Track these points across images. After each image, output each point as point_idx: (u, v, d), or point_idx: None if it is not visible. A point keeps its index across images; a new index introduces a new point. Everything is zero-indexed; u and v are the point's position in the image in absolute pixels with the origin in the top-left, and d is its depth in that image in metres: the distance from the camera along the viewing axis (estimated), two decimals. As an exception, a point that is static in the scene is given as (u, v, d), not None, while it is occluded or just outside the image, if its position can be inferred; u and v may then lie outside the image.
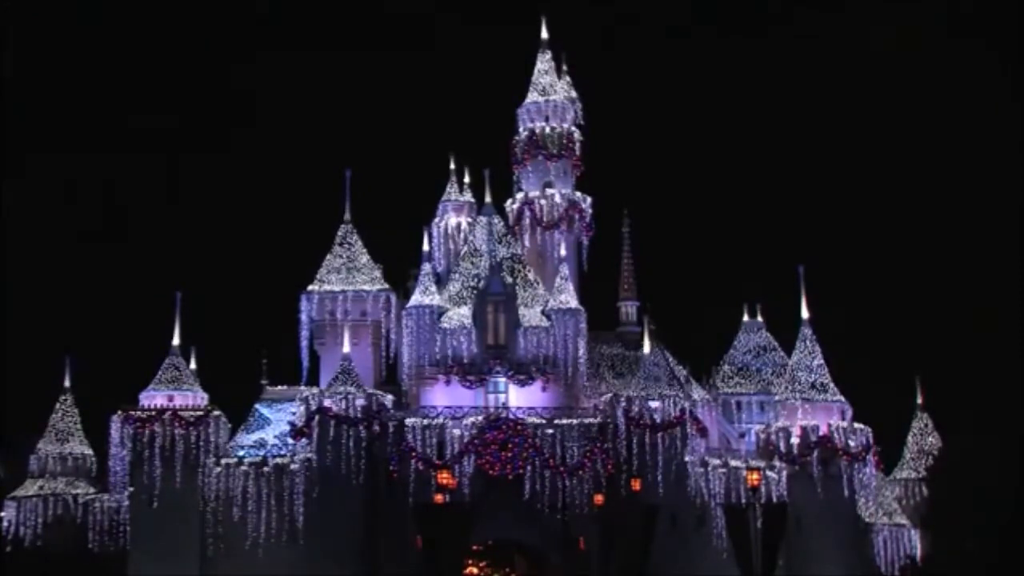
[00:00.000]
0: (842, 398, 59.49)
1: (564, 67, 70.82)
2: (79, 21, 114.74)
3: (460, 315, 59.71)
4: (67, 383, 62.90)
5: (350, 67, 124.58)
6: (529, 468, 54.08)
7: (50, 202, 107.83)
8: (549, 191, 66.97)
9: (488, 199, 64.88)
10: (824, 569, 56.21)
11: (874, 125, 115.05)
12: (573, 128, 68.53)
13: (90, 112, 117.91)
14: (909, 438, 67.46)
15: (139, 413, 55.79)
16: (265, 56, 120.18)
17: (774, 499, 54.68)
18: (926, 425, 67.47)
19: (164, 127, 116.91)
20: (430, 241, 64.07)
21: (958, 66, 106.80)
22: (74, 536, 59.01)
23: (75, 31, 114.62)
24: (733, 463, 57.38)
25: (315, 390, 57.13)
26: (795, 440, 57.94)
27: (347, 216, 63.81)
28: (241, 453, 56.79)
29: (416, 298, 59.76)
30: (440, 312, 59.56)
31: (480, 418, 55.21)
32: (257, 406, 60.85)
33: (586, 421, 55.97)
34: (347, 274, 62.13)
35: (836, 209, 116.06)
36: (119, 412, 55.91)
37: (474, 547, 55.13)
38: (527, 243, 66.09)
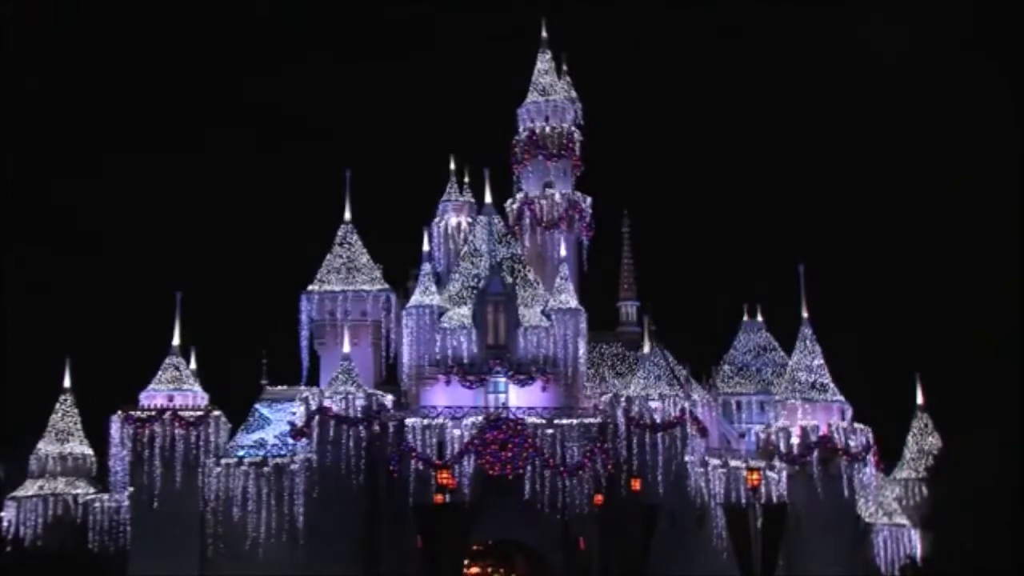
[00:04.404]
0: (842, 398, 59.48)
1: (564, 67, 70.88)
2: (78, 21, 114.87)
3: (460, 315, 59.69)
4: (67, 383, 62.84)
5: (350, 67, 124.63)
6: (529, 468, 54.07)
7: (51, 203, 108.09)
8: (549, 191, 67.01)
9: (488, 199, 64.82)
10: (824, 569, 56.18)
11: (874, 124, 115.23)
12: (573, 128, 68.56)
13: (89, 111, 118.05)
14: (909, 438, 67.40)
15: (139, 413, 55.77)
16: (266, 58, 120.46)
17: (774, 499, 54.71)
18: (926, 425, 67.42)
19: (164, 128, 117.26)
20: (430, 241, 64.01)
21: (958, 65, 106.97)
22: (74, 536, 58.94)
23: (75, 32, 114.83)
24: (733, 463, 57.37)
25: (315, 390, 57.09)
26: (795, 440, 57.92)
27: (347, 216, 63.78)
28: (241, 453, 56.79)
29: (416, 298, 59.73)
30: (440, 312, 59.53)
31: (480, 418, 55.17)
32: (257, 406, 60.80)
33: (586, 421, 55.95)
34: (347, 274, 62.09)
35: (836, 209, 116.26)
36: (119, 412, 55.89)
37: (474, 547, 55.11)
38: (527, 243, 66.09)
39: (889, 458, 65.28)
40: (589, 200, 67.49)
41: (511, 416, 55.48)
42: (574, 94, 70.32)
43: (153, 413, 55.75)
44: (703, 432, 57.81)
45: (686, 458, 55.89)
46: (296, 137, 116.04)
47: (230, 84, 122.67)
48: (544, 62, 69.75)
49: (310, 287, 61.62)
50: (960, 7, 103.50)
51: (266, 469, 55.50)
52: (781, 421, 59.38)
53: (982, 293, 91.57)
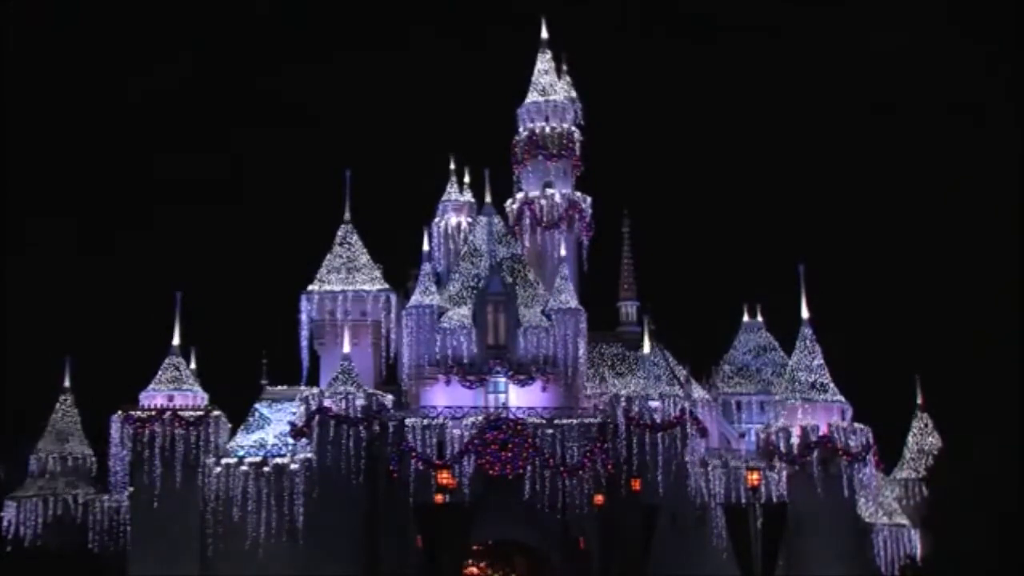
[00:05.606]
0: (842, 398, 59.40)
1: (564, 67, 70.87)
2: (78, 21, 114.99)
3: (460, 315, 59.70)
4: (67, 383, 62.89)
5: (350, 67, 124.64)
6: (529, 468, 54.06)
7: (51, 203, 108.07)
8: (549, 191, 67.01)
9: (488, 199, 64.85)
10: (824, 569, 56.11)
11: (874, 124, 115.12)
12: (573, 128, 68.55)
13: (89, 111, 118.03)
14: (909, 438, 67.36)
15: (139, 413, 55.76)
16: (266, 56, 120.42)
17: (774, 499, 54.69)
18: (926, 425, 67.39)
19: (163, 128, 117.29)
20: (430, 241, 64.01)
21: (959, 65, 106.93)
22: (74, 536, 59.00)
23: (75, 31, 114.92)
24: (733, 463, 57.36)
25: (315, 390, 57.07)
26: (795, 440, 57.84)
27: (347, 216, 63.75)
28: (241, 453, 56.78)
29: (416, 298, 59.74)
30: (440, 312, 59.54)
31: (480, 418, 55.17)
32: (257, 406, 60.83)
33: (586, 421, 55.95)
34: (347, 274, 62.07)
35: (836, 208, 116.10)
36: (119, 412, 55.87)
37: (474, 547, 55.14)
38: (527, 243, 66.09)
39: (889, 458, 65.29)
40: (589, 200, 67.49)
41: (511, 416, 55.49)
42: (574, 94, 70.29)
43: (153, 413, 55.75)
44: (703, 432, 57.83)
45: (686, 458, 55.89)
46: (296, 137, 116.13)
47: (230, 84, 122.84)
48: (544, 62, 69.73)
49: (310, 287, 61.58)
50: (961, 7, 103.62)
51: (266, 469, 55.51)
52: (781, 421, 59.34)
53: (982, 293, 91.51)
